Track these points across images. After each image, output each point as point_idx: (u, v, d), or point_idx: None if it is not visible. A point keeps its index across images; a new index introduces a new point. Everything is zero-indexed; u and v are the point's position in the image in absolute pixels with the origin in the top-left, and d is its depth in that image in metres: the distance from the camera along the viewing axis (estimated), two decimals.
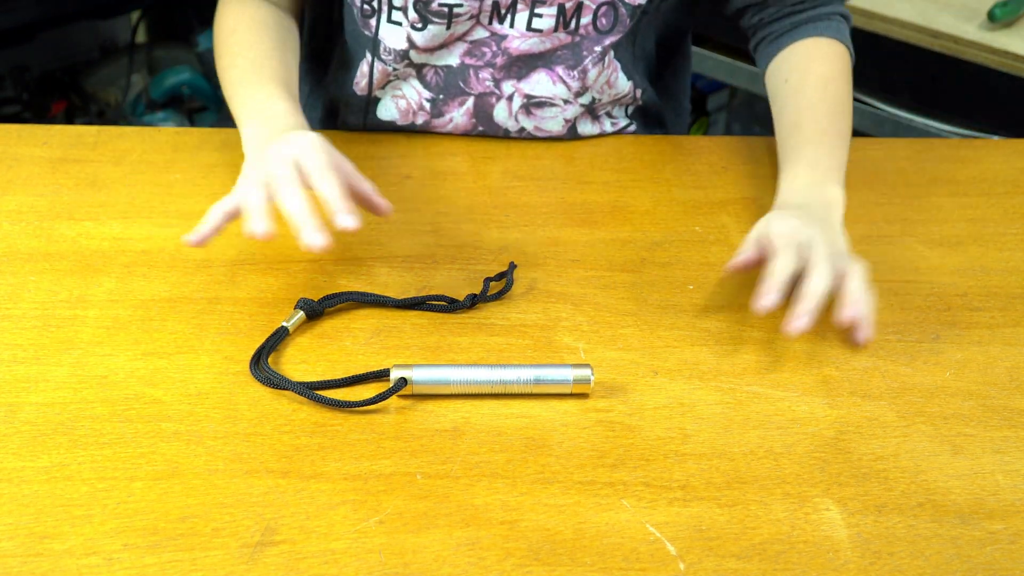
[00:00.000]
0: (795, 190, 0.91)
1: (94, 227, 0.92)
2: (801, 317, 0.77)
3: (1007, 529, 0.67)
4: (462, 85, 1.05)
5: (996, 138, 1.46)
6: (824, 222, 0.85)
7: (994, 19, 1.54)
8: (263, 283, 0.86)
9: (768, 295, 0.78)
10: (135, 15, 2.31)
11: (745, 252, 0.84)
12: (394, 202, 0.98)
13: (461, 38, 1.02)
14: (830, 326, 0.84)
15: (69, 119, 2.28)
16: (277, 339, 0.79)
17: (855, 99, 1.39)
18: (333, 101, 1.12)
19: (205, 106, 2.33)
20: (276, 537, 0.64)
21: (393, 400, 0.75)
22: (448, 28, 1.01)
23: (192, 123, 2.31)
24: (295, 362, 0.78)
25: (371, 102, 1.08)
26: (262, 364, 0.77)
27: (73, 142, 1.05)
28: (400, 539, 0.65)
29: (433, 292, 0.86)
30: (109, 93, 2.28)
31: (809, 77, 1.01)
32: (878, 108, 1.65)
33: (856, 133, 0.93)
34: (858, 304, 0.79)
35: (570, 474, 0.70)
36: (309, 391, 0.74)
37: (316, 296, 0.84)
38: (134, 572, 0.62)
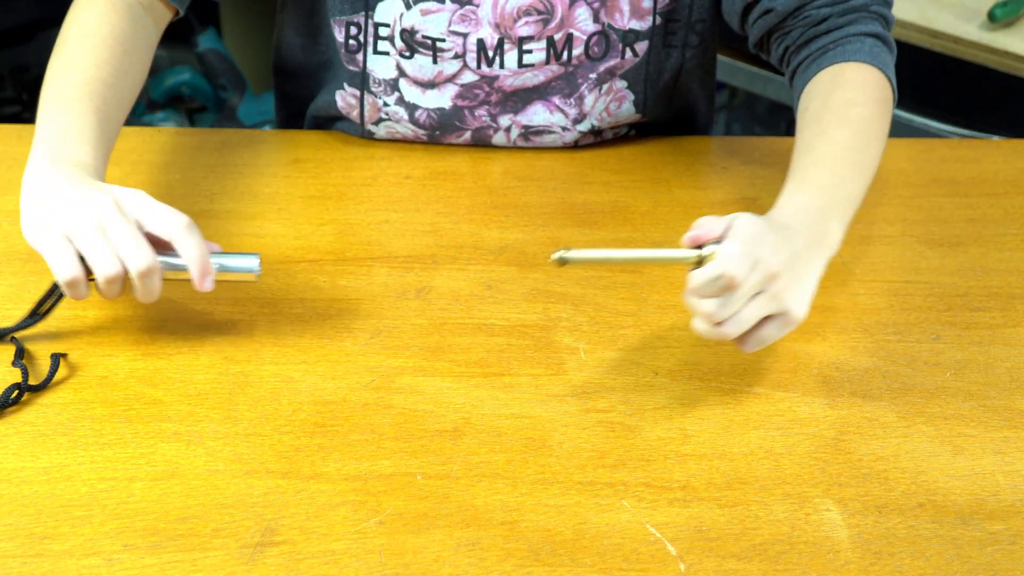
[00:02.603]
0: (789, 211, 0.79)
1: None
2: (700, 327, 0.73)
3: (1007, 530, 0.67)
4: (458, 123, 1.04)
5: (996, 138, 1.46)
6: (797, 257, 0.75)
7: (994, 19, 1.54)
8: (263, 284, 0.85)
9: (696, 322, 0.74)
10: None
11: (698, 231, 0.75)
12: (394, 202, 0.98)
13: (451, 80, 1.01)
14: (830, 326, 0.84)
15: None
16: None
17: None
18: (320, 119, 1.11)
19: (205, 106, 2.32)
20: (276, 538, 0.64)
21: (393, 400, 0.75)
22: (435, 63, 0.99)
23: (192, 123, 2.31)
24: (295, 363, 0.78)
25: (365, 133, 1.07)
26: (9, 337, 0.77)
27: None
28: (400, 540, 0.65)
29: (433, 292, 0.86)
30: None
31: (831, 102, 0.91)
32: None
33: None
34: (758, 346, 0.75)
35: (570, 474, 0.70)
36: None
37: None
38: (134, 573, 0.62)
